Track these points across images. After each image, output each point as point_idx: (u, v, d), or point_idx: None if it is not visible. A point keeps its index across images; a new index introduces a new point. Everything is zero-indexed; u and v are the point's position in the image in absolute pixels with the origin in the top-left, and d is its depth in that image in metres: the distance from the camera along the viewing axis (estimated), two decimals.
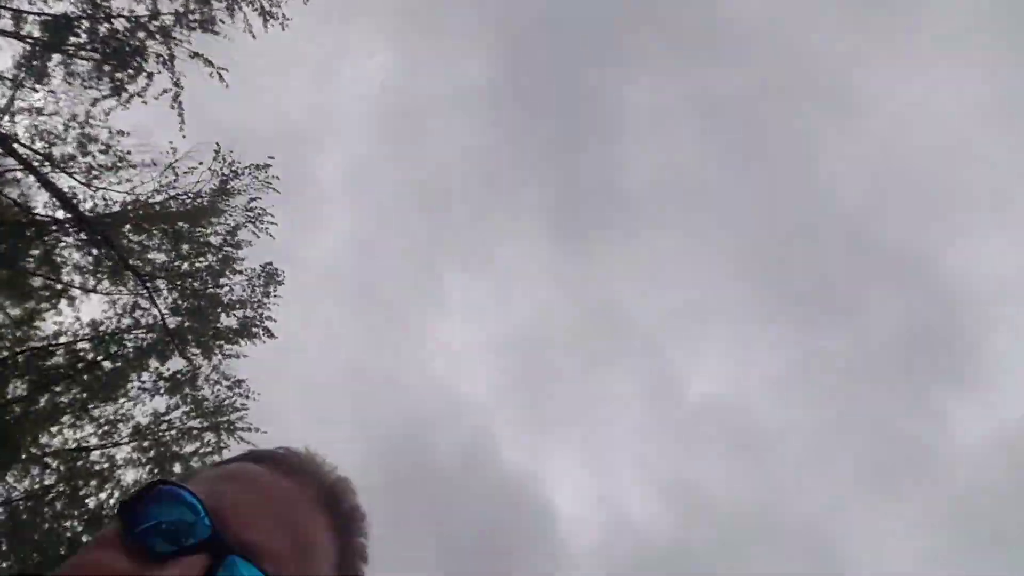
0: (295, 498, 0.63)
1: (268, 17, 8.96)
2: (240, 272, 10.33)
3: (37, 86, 8.28)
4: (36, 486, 11.02)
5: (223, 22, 8.77)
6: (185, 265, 10.19)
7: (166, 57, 8.35)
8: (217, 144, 9.48)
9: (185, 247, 9.89)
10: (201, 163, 9.44)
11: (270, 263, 10.49)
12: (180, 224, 9.73)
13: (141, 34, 8.47)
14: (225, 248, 10.10)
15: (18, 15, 8.11)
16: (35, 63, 8.05)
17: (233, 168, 9.69)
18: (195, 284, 10.33)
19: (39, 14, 8.12)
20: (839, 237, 36.86)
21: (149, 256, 9.95)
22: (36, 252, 9.80)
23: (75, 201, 9.25)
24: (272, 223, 10.31)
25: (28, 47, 8.25)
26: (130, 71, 8.33)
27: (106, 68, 8.35)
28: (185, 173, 9.40)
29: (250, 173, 9.78)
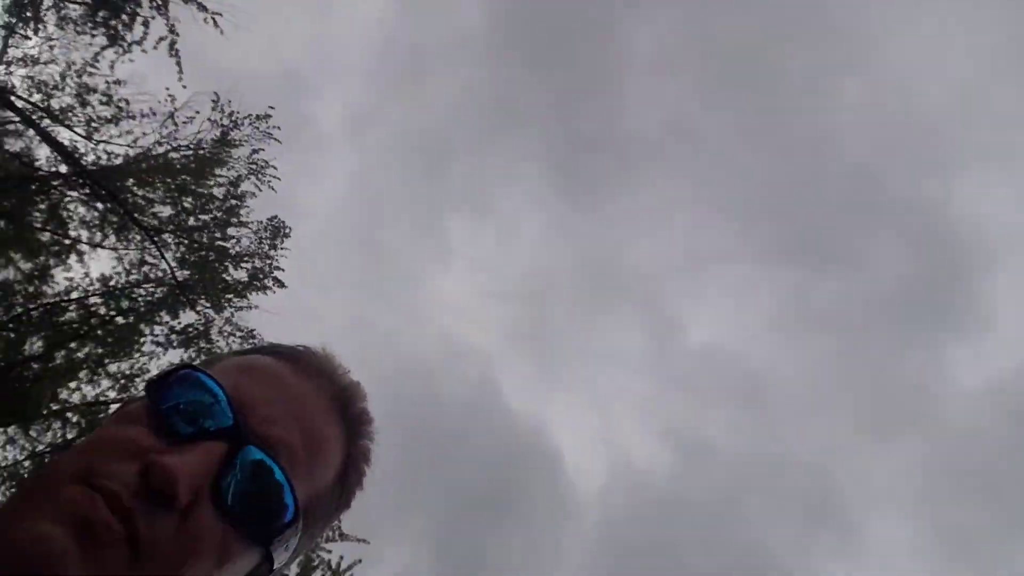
0: (312, 398, 0.65)
1: None
2: (246, 225, 10.27)
3: (30, 33, 8.12)
4: (59, 439, 11.28)
5: None
6: (191, 219, 10.14)
7: (160, 1, 8.14)
8: (216, 94, 9.31)
9: (189, 201, 9.82)
10: (199, 112, 9.30)
11: (275, 216, 10.42)
12: (183, 178, 9.64)
13: None
14: (229, 201, 10.02)
15: None
16: (26, 7, 7.87)
17: (233, 118, 9.54)
18: (202, 238, 10.29)
19: None
20: (840, 181, 36.18)
21: (154, 210, 9.90)
22: (42, 207, 9.79)
23: (76, 155, 9.17)
24: (275, 177, 10.20)
25: None
26: (124, 17, 8.14)
27: (100, 15, 8.16)
28: (185, 123, 9.27)
29: (251, 123, 9.63)
